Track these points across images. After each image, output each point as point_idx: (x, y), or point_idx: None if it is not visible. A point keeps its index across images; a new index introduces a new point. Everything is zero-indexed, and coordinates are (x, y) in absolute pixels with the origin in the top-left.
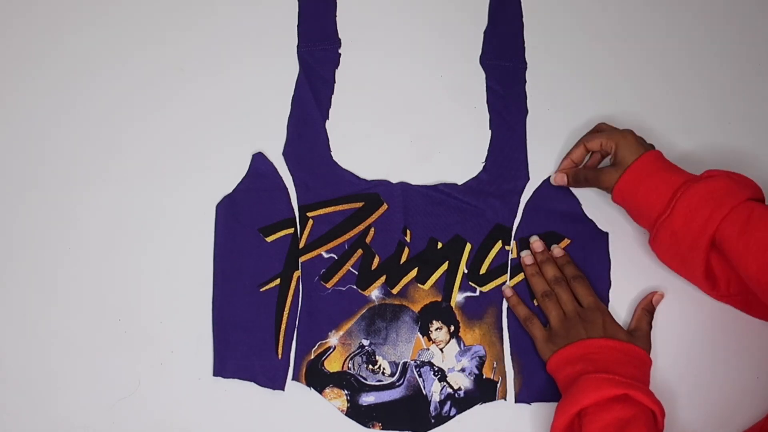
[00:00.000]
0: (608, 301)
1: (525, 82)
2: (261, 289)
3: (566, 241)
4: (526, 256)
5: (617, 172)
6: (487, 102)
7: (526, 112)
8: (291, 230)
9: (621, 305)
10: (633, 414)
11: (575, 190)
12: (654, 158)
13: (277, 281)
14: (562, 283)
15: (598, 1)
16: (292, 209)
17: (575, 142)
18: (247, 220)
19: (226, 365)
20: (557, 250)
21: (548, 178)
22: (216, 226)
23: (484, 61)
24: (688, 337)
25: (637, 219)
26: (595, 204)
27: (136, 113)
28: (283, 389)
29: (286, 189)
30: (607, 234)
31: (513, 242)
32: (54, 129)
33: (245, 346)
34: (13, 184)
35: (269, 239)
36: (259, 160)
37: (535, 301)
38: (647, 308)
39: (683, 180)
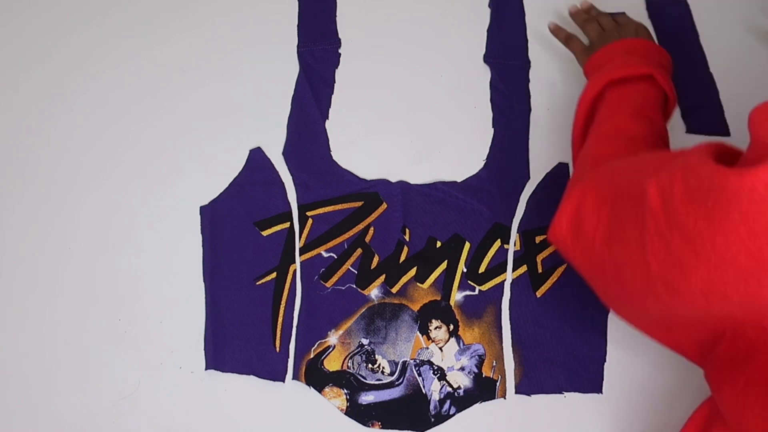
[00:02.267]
0: None
1: (528, 80)
2: (257, 283)
3: None
4: (572, 7)
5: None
6: (491, 100)
7: (530, 110)
8: (287, 224)
9: None
10: (654, 92)
11: None
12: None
13: (274, 275)
14: (605, 14)
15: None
16: (288, 203)
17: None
18: (243, 213)
19: (223, 359)
20: (586, 5)
21: (549, 172)
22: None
23: (488, 59)
24: None
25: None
26: None
27: (136, 113)
28: (283, 381)
29: (282, 183)
30: None
31: (516, 235)
32: (55, 129)
33: (242, 340)
34: (13, 184)
35: (265, 233)
36: (256, 155)
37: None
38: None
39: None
